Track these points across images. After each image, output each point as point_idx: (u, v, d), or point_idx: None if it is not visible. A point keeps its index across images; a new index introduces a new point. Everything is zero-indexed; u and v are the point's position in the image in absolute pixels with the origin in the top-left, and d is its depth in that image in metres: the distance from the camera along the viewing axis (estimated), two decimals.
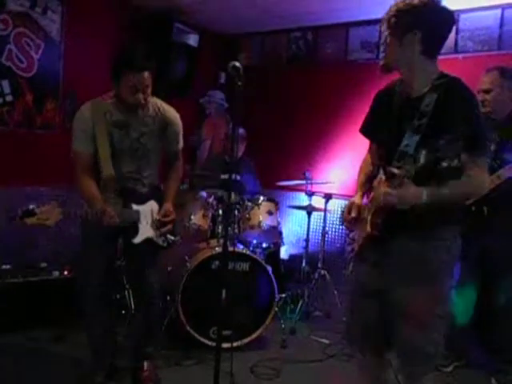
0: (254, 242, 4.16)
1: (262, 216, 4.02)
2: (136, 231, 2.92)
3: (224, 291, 2.32)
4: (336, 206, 4.99)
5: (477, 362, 3.52)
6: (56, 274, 3.94)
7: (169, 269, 3.99)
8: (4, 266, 3.90)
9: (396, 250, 2.09)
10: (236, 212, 3.96)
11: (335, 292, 4.35)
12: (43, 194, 4.38)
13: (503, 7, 4.43)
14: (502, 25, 4.45)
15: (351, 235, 2.39)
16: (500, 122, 3.21)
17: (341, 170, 5.03)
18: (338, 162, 5.18)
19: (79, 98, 4.29)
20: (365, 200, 2.32)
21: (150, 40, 5.05)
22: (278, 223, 4.14)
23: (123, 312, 3.86)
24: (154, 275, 3.06)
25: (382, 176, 2.15)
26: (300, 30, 5.74)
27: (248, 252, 3.79)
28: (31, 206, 2.52)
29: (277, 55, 5.96)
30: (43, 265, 4.04)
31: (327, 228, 4.66)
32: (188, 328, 3.54)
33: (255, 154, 4.83)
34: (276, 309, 3.80)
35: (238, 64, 2.21)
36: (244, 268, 3.70)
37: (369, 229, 2.14)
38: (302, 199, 5.01)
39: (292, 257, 5.49)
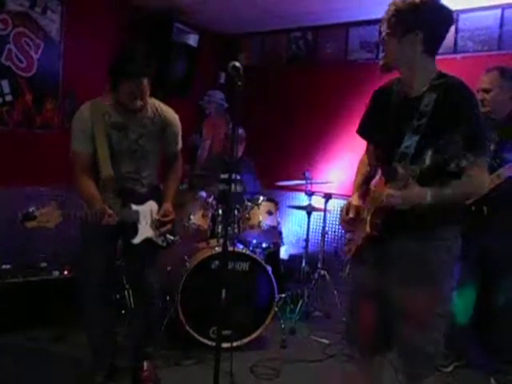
0: (254, 241, 4.16)
1: (261, 216, 4.02)
2: (135, 231, 2.92)
3: (224, 291, 2.31)
4: (336, 205, 4.99)
5: (476, 362, 3.52)
6: (56, 273, 3.94)
7: (168, 269, 3.99)
8: (4, 266, 3.90)
9: (396, 250, 2.08)
10: (236, 212, 3.96)
11: (335, 292, 4.35)
12: (43, 193, 4.38)
13: (503, 7, 4.43)
14: (501, 25, 4.45)
15: (348, 236, 2.40)
16: (499, 122, 3.21)
17: (340, 169, 5.03)
18: (338, 161, 5.18)
19: (79, 97, 4.30)
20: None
21: (149, 40, 5.05)
22: (278, 223, 4.14)
23: (123, 312, 3.87)
24: (153, 275, 3.06)
25: (381, 177, 2.15)
26: (300, 30, 5.74)
27: (248, 252, 3.79)
28: (31, 209, 2.51)
29: (277, 55, 5.96)
30: (43, 265, 4.04)
31: (327, 228, 4.66)
32: (188, 328, 3.54)
33: (255, 154, 4.82)
34: (276, 309, 3.80)
35: (237, 64, 2.21)
36: (244, 268, 3.70)
37: (368, 229, 2.14)
38: (302, 199, 5.01)
39: (292, 257, 5.49)
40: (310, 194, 4.56)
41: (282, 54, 5.92)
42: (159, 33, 5.13)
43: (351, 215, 2.27)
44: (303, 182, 4.56)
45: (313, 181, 4.57)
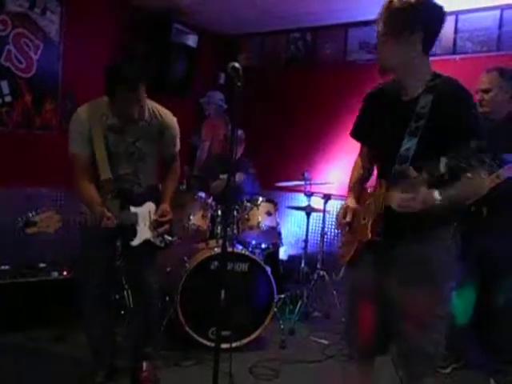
0: (253, 242, 4.16)
1: (261, 217, 4.03)
2: (134, 234, 2.91)
3: (223, 292, 2.31)
4: (335, 206, 4.98)
5: (476, 363, 3.52)
6: (55, 274, 3.94)
7: (168, 269, 3.99)
8: (3, 267, 3.90)
9: (396, 251, 2.08)
10: (235, 213, 3.97)
11: (334, 293, 4.36)
12: (42, 194, 4.39)
13: (502, 8, 4.43)
14: (500, 25, 4.45)
15: (341, 240, 2.39)
16: (498, 123, 3.21)
17: (340, 170, 5.02)
18: (337, 162, 5.18)
19: (78, 98, 4.31)
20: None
21: (149, 40, 5.07)
22: (277, 224, 4.14)
23: (122, 312, 3.87)
24: (152, 276, 3.06)
25: (380, 180, 2.13)
26: (299, 31, 5.74)
27: (247, 253, 3.79)
28: (31, 214, 2.51)
29: (276, 56, 5.96)
30: (42, 265, 4.04)
31: (326, 229, 4.66)
32: (187, 328, 3.54)
33: (254, 154, 4.82)
34: (275, 309, 3.80)
35: (237, 65, 2.20)
36: (243, 269, 3.70)
37: (369, 235, 2.12)
38: (301, 200, 5.01)
39: (291, 257, 5.49)
40: (310, 194, 4.56)
41: (282, 55, 5.92)
42: (158, 33, 5.13)
43: (348, 219, 2.26)
44: (302, 182, 4.57)
45: (312, 181, 4.57)
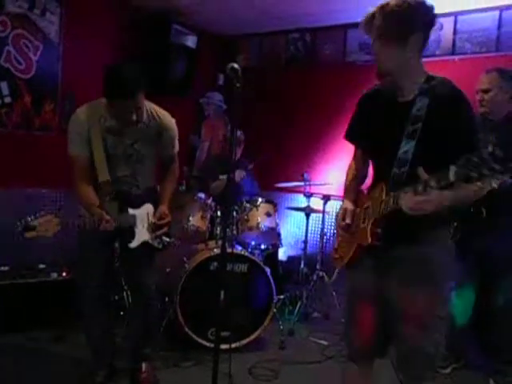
0: (253, 243, 4.16)
1: (260, 217, 4.03)
2: (132, 236, 2.91)
3: (222, 292, 2.31)
4: (334, 207, 4.98)
5: (475, 363, 3.53)
6: (54, 275, 3.95)
7: (167, 270, 3.99)
8: (2, 268, 3.90)
9: (397, 252, 2.07)
10: (234, 213, 3.97)
11: (333, 293, 4.35)
12: (42, 195, 4.40)
13: (501, 9, 4.44)
14: (499, 26, 4.46)
15: (336, 243, 2.39)
16: (497, 123, 3.21)
17: (339, 171, 4.97)
18: (337, 163, 5.17)
19: (77, 99, 4.30)
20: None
21: (148, 41, 5.07)
22: (277, 225, 4.15)
23: (121, 313, 3.87)
24: (150, 277, 3.06)
25: (379, 183, 2.12)
26: (298, 32, 5.74)
27: (246, 253, 3.79)
28: (29, 219, 2.51)
29: (275, 56, 5.97)
30: (41, 266, 4.04)
31: (325, 229, 4.67)
32: (186, 329, 3.54)
33: (254, 155, 4.82)
34: (274, 310, 3.80)
35: (236, 65, 2.20)
36: (242, 269, 3.70)
37: (369, 239, 2.11)
38: (301, 201, 5.02)
39: (290, 258, 5.49)
40: (309, 195, 4.56)
41: (281, 56, 5.92)
42: (158, 34, 5.13)
43: (348, 221, 2.26)
44: (302, 183, 4.57)
45: (311, 182, 4.57)
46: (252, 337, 3.69)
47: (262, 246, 4.22)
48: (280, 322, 3.97)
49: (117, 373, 3.11)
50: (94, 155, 2.78)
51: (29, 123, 4.44)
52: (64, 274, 3.97)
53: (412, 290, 2.03)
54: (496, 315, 3.31)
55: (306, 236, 4.64)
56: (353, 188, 2.39)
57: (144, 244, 2.95)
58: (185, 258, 3.82)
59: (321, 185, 4.70)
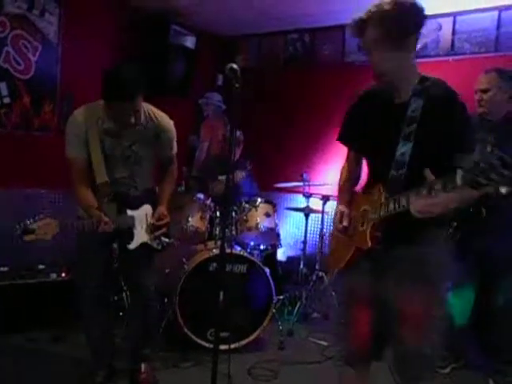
0: (252, 243, 4.16)
1: (259, 218, 4.03)
2: (131, 237, 2.91)
3: (222, 293, 2.32)
4: (334, 207, 4.98)
5: (475, 363, 3.52)
6: (54, 275, 3.95)
7: (166, 271, 3.99)
8: (2, 269, 3.90)
9: (394, 253, 2.07)
10: (233, 214, 3.97)
11: (333, 294, 4.34)
12: (41, 195, 4.39)
13: (500, 9, 4.44)
14: (498, 26, 4.46)
15: (333, 244, 2.38)
16: (496, 123, 3.21)
17: (338, 171, 5.02)
18: (336, 163, 5.14)
19: (76, 100, 4.30)
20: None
21: (147, 42, 5.07)
22: (276, 225, 4.15)
23: (121, 314, 3.87)
24: (149, 278, 3.06)
25: (376, 185, 2.11)
26: (297, 32, 5.74)
27: (245, 254, 3.79)
28: (28, 222, 2.50)
29: (274, 57, 5.96)
30: (41, 267, 4.04)
31: (325, 230, 4.66)
32: (186, 330, 3.54)
33: (253, 155, 4.82)
34: (274, 310, 3.80)
35: (235, 66, 2.20)
36: (241, 270, 3.70)
37: (369, 243, 2.10)
38: (300, 201, 5.02)
39: (290, 259, 5.49)
40: (308, 195, 4.56)
41: (280, 56, 5.92)
42: (157, 35, 5.13)
43: (345, 223, 2.25)
44: (301, 183, 4.57)
45: (311, 183, 4.58)
46: (251, 337, 3.69)
47: (262, 247, 4.23)
48: (279, 323, 3.97)
49: (116, 373, 3.11)
50: (92, 157, 2.77)
51: (28, 124, 4.43)
52: (63, 274, 3.97)
53: (409, 290, 2.03)
54: (496, 315, 3.31)
55: (305, 236, 4.64)
56: (347, 189, 2.39)
57: (143, 245, 2.95)
58: (184, 259, 3.82)
59: (320, 185, 4.70)
